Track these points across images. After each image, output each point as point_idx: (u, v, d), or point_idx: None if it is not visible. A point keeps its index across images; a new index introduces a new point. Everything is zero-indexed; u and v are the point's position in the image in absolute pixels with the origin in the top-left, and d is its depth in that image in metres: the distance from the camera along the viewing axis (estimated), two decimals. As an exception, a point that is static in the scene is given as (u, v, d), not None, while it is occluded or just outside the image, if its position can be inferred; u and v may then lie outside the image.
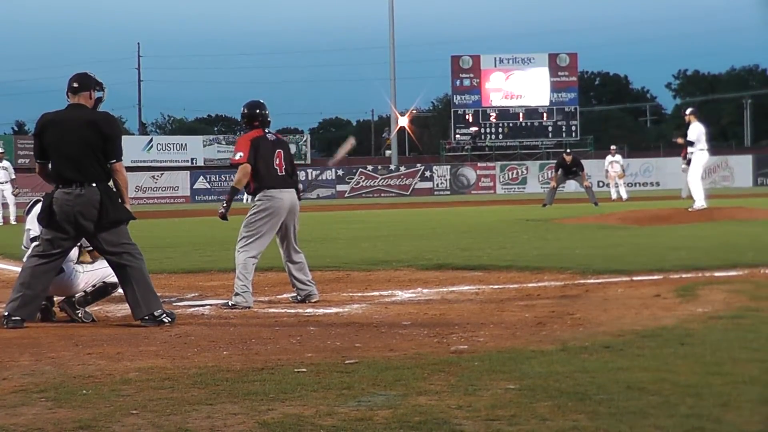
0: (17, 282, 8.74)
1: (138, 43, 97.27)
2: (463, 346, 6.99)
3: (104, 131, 8.55)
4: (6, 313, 8.53)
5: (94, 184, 8.48)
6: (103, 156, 8.52)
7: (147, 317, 8.53)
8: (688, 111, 22.82)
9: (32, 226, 9.08)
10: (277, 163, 9.88)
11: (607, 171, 39.72)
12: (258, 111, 10.08)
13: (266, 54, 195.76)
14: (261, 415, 5.03)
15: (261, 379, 5.96)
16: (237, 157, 9.80)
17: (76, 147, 8.47)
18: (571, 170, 33.94)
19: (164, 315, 8.59)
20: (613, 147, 41.31)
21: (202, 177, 61.15)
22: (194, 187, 61.08)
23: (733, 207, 23.89)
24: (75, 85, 8.69)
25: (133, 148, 64.66)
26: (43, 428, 4.86)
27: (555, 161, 38.40)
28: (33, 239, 8.96)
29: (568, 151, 36.76)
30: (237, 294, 9.58)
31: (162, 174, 62.12)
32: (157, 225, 27.72)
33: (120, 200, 8.61)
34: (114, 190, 8.63)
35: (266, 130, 10.03)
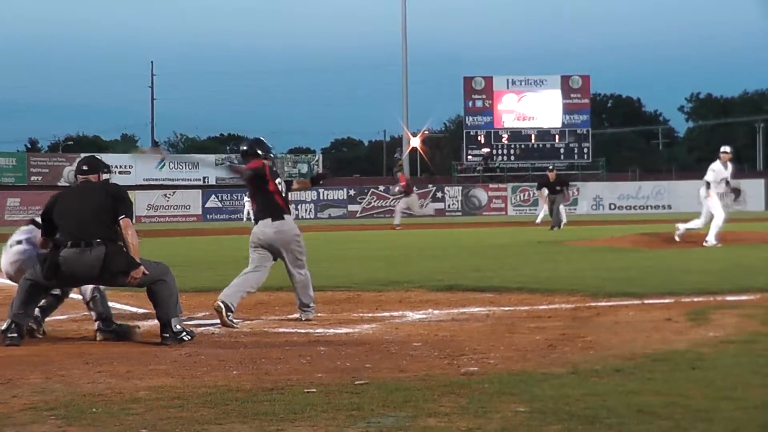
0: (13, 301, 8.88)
1: (152, 62, 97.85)
2: (473, 368, 6.98)
3: (113, 194, 8.90)
4: (2, 329, 8.70)
5: (99, 241, 8.65)
6: (113, 216, 8.73)
7: (168, 335, 8.64)
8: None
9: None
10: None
11: None
12: (257, 148, 10.43)
13: (279, 73, 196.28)
14: (270, 436, 5.02)
15: (270, 399, 5.95)
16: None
17: (86, 209, 8.75)
18: (555, 188, 33.11)
19: (184, 333, 8.71)
20: None
21: (213, 196, 61.30)
22: (206, 205, 61.21)
23: (745, 231, 23.83)
24: (84, 168, 9.16)
25: (145, 166, 64.89)
26: (51, 446, 4.86)
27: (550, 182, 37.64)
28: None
29: (551, 167, 36.16)
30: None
31: (174, 192, 62.30)
32: (169, 243, 27.74)
33: (126, 253, 8.73)
34: (120, 247, 8.75)
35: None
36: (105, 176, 9.18)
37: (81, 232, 8.70)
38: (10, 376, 6.92)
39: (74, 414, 5.60)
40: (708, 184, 20.41)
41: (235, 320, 9.78)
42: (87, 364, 7.49)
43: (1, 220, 50.39)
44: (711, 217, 20.35)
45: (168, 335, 8.66)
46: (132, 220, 8.90)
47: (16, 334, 8.64)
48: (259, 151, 10.35)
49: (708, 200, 20.42)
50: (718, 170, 20.51)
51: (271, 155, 10.49)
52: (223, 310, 9.73)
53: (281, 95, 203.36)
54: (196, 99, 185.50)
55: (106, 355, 7.94)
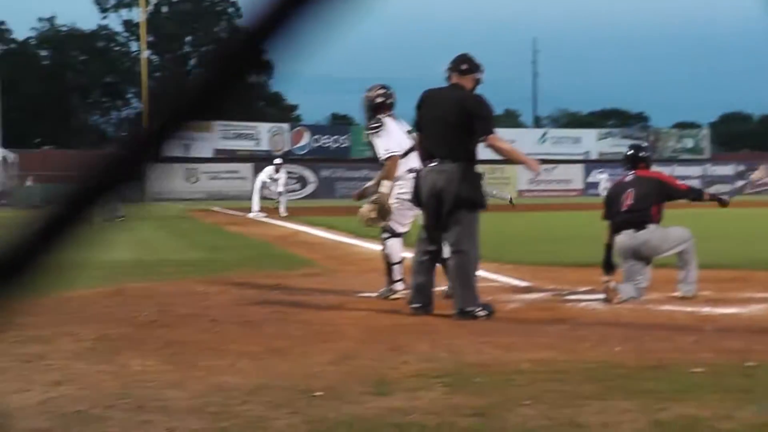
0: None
1: (534, 38, 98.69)
2: None
3: (470, 110, 8.58)
4: (408, 302, 8.90)
5: (456, 162, 8.54)
6: (470, 135, 8.55)
7: (458, 311, 8.50)
8: None
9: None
10: (625, 204, 9.94)
11: None
12: (640, 154, 10.35)
13: (664, 43, 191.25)
14: (654, 414, 4.92)
15: (655, 377, 5.82)
16: None
17: (441, 125, 8.61)
18: None
19: (478, 309, 8.49)
20: None
21: (595, 170, 60.97)
22: (587, 180, 61.00)
23: None
24: (463, 67, 8.81)
25: (527, 140, 65.65)
26: (439, 413, 5.01)
27: None
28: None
29: None
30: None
31: (555, 167, 62.55)
32: (550, 217, 27.93)
33: (480, 185, 8.67)
34: (477, 173, 8.68)
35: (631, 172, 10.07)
36: (478, 76, 8.88)
37: (436, 150, 8.64)
38: (400, 343, 7.20)
39: (459, 382, 5.75)
40: None
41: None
42: (471, 334, 7.63)
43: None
44: None
45: (458, 312, 8.49)
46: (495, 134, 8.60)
47: (419, 304, 8.74)
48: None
49: None
50: None
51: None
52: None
53: (667, 67, 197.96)
54: (577, 74, 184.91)
55: (489, 327, 8.06)
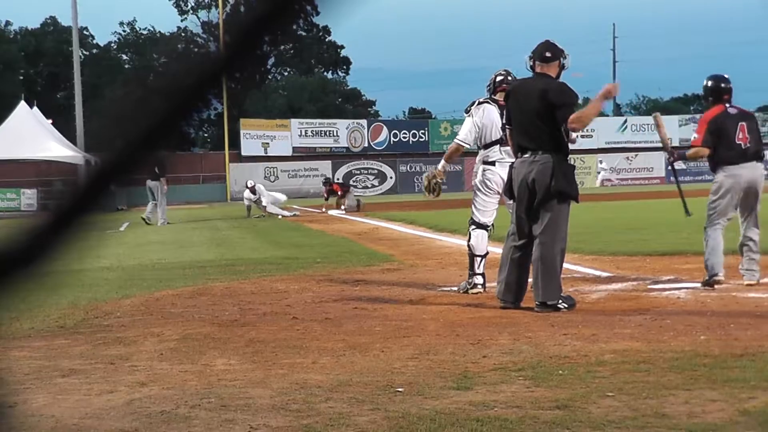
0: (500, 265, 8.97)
1: (613, 24, 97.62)
2: None
3: (552, 100, 8.45)
4: (497, 296, 8.82)
5: (547, 154, 8.46)
6: (556, 125, 8.43)
7: (539, 303, 8.40)
8: None
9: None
10: (740, 137, 9.49)
11: None
12: (723, 85, 9.77)
13: (742, 28, 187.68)
14: (741, 403, 4.84)
15: (741, 366, 5.73)
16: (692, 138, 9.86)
17: (527, 117, 8.54)
18: None
19: (560, 302, 8.39)
20: None
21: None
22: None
23: None
24: (547, 55, 8.73)
25: (607, 129, 64.93)
26: (521, 406, 4.98)
27: None
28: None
29: None
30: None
31: (636, 155, 61.83)
32: (631, 207, 27.61)
33: (573, 177, 8.59)
34: (570, 164, 8.61)
35: (727, 106, 9.70)
36: (563, 62, 8.78)
37: (526, 142, 8.56)
38: (480, 336, 7.17)
39: (541, 375, 5.71)
40: None
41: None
42: (553, 326, 7.57)
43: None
44: None
45: (540, 303, 8.41)
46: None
47: (510, 299, 8.64)
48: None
49: None
50: None
51: None
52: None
53: (750, 49, 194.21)
54: (658, 60, 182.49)
55: (571, 319, 7.98)
